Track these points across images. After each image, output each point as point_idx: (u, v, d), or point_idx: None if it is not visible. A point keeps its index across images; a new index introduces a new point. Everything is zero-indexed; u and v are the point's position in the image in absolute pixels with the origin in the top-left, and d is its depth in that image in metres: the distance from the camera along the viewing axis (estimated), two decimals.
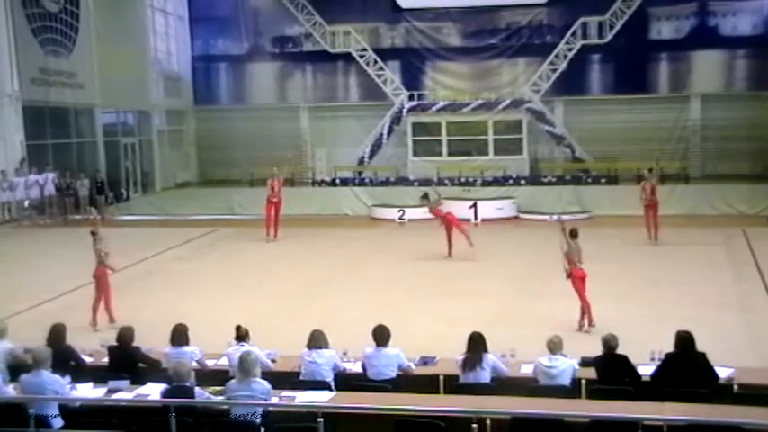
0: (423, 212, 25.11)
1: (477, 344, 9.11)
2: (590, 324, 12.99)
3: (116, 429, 7.85)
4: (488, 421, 7.56)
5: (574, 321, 12.91)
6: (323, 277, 17.96)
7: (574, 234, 13.71)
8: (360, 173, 33.51)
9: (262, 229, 22.43)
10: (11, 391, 8.54)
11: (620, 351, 9.06)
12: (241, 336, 9.64)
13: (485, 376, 9.01)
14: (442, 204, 20.45)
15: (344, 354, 9.79)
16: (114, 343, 9.92)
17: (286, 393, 8.56)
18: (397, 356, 9.38)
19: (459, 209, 26.30)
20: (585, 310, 13.13)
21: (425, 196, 20.19)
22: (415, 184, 29.46)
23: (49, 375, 8.38)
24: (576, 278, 13.38)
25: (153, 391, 8.68)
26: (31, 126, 26.93)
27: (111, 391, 8.83)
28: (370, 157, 34.20)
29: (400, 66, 35.21)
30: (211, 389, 8.55)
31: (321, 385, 8.97)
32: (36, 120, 27.35)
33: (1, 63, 25.59)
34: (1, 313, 12.77)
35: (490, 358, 9.10)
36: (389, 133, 34.09)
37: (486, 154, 32.46)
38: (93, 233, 14.36)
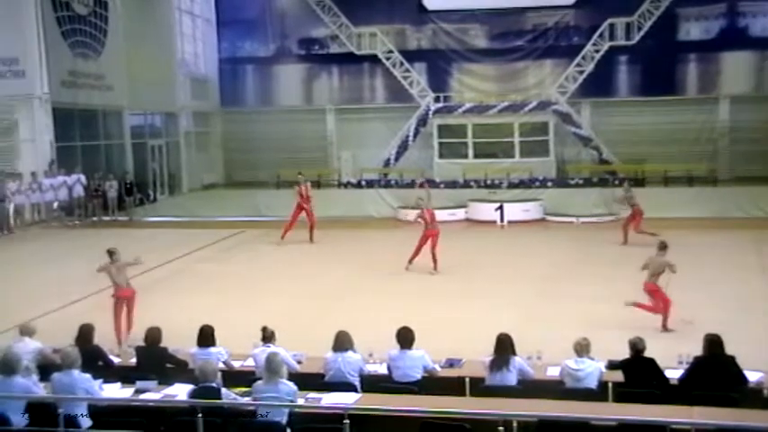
0: (448, 215, 25.41)
1: (504, 345, 9.10)
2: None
3: (143, 429, 7.90)
4: (515, 424, 7.54)
5: (600, 323, 12.83)
6: (349, 279, 18.00)
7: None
8: (385, 175, 33.59)
9: (289, 232, 22.44)
10: (42, 390, 8.63)
11: (647, 354, 9.02)
12: (267, 337, 9.69)
13: (511, 378, 8.99)
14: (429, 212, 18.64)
15: (370, 355, 9.79)
16: (142, 344, 10.00)
17: (312, 395, 8.60)
18: (422, 358, 9.37)
19: (486, 211, 26.39)
20: None
21: (421, 199, 19.44)
22: (441, 186, 29.43)
23: (81, 375, 8.47)
24: None
25: (180, 392, 8.73)
26: (61, 128, 27.19)
27: (138, 392, 8.89)
28: (396, 159, 34.27)
29: (426, 67, 35.22)
30: (238, 390, 8.59)
31: (347, 387, 8.99)
32: (65, 121, 27.62)
33: (31, 65, 25.85)
34: (30, 313, 12.94)
35: (517, 360, 9.08)
36: (415, 135, 34.12)
37: (513, 156, 32.39)
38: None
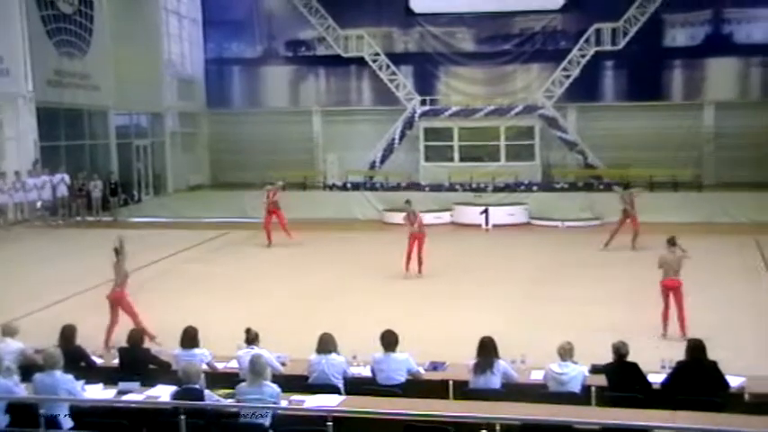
0: (434, 218, 25.40)
1: (487, 349, 9.10)
2: None
3: (126, 431, 7.87)
4: (498, 427, 7.53)
5: (584, 326, 12.85)
6: (333, 281, 17.98)
7: None
8: (371, 177, 33.55)
9: (273, 233, 22.44)
10: (23, 391, 8.59)
11: (630, 358, 9.05)
12: (251, 338, 9.67)
13: (495, 382, 9.00)
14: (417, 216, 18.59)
15: (354, 358, 9.78)
16: (124, 344, 9.97)
17: (295, 397, 8.57)
18: (406, 361, 9.37)
19: (471, 214, 26.42)
20: None
21: (408, 201, 19.53)
22: (427, 189, 29.52)
23: (63, 375, 8.43)
24: None
25: (163, 393, 8.70)
26: (45, 127, 27.04)
27: (121, 393, 8.87)
28: (382, 162, 34.25)
29: (413, 70, 35.27)
30: (221, 391, 8.58)
31: (331, 389, 8.98)
32: (50, 121, 27.48)
33: (16, 64, 25.70)
34: (13, 314, 12.87)
35: (501, 364, 9.09)
36: (401, 138, 34.14)
37: (498, 160, 32.46)
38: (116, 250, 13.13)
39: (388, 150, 34.23)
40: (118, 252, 13.04)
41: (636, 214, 21.22)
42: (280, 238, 22.23)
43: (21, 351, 9.80)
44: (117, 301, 12.86)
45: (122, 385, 8.98)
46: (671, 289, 13.18)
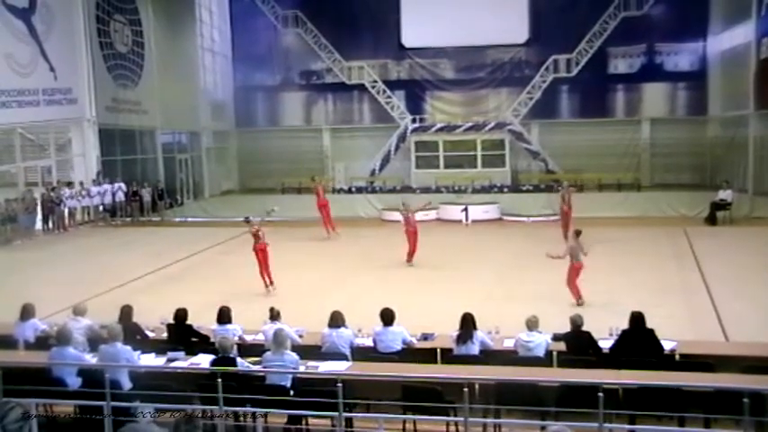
0: (423, 215, 25.29)
1: (467, 322, 9.12)
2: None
3: (173, 391, 7.89)
4: (477, 386, 7.58)
5: (547, 303, 12.87)
6: (342, 268, 17.96)
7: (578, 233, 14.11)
8: (372, 182, 33.51)
9: (291, 229, 22.36)
10: (90, 359, 8.61)
11: (584, 328, 9.07)
12: (274, 316, 9.68)
13: (474, 349, 9.02)
14: (411, 214, 18.47)
15: (359, 331, 9.78)
16: (171, 321, 9.98)
17: (311, 363, 8.59)
18: (401, 333, 9.39)
19: (453, 212, 26.40)
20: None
21: (404, 204, 19.53)
22: (417, 191, 29.54)
23: (123, 346, 8.45)
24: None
25: (203, 361, 8.72)
26: (105, 145, 27.03)
27: (169, 360, 8.89)
28: (381, 170, 34.20)
29: (405, 94, 35.10)
30: (250, 359, 8.59)
31: (340, 357, 8.99)
32: (109, 140, 27.44)
33: (82, 94, 25.73)
34: (82, 296, 12.89)
35: (479, 334, 9.10)
36: (396, 150, 34.09)
37: (476, 167, 32.37)
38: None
39: (386, 160, 34.18)
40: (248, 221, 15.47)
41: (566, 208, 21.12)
42: (301, 233, 22.11)
43: (89, 327, 9.81)
44: (260, 251, 14.82)
45: (170, 354, 9.00)
46: (580, 269, 13.59)
